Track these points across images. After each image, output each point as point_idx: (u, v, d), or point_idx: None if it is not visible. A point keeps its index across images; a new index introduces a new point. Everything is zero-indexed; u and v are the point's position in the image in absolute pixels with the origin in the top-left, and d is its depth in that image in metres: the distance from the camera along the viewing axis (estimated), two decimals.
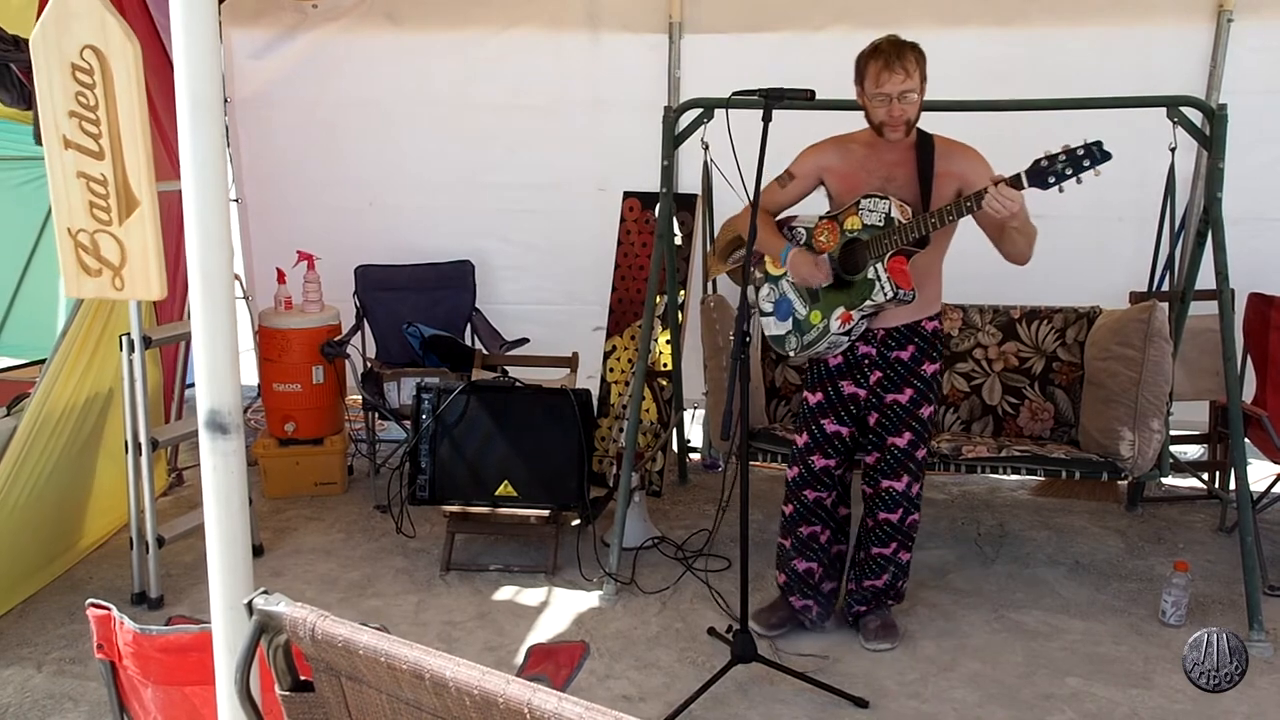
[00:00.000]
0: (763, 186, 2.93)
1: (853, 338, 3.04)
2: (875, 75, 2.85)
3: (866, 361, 3.09)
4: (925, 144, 2.97)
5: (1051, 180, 2.66)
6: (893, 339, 3.06)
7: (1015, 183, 2.70)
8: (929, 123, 3.02)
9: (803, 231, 3.13)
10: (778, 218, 3.24)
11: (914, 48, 2.85)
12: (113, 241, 1.24)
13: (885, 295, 2.89)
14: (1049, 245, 4.22)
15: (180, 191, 1.27)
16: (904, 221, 2.85)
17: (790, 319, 3.14)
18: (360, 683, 1.02)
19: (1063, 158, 2.64)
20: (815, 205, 3.17)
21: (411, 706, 0.97)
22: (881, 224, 2.90)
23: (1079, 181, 2.64)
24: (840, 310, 3.00)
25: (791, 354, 3.17)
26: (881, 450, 3.12)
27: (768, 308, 3.21)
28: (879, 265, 2.90)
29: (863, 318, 2.99)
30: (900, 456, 3.11)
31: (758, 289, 3.26)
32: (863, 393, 3.11)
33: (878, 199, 2.91)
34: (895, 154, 2.98)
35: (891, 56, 2.82)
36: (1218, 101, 3.89)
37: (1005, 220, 2.76)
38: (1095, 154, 2.63)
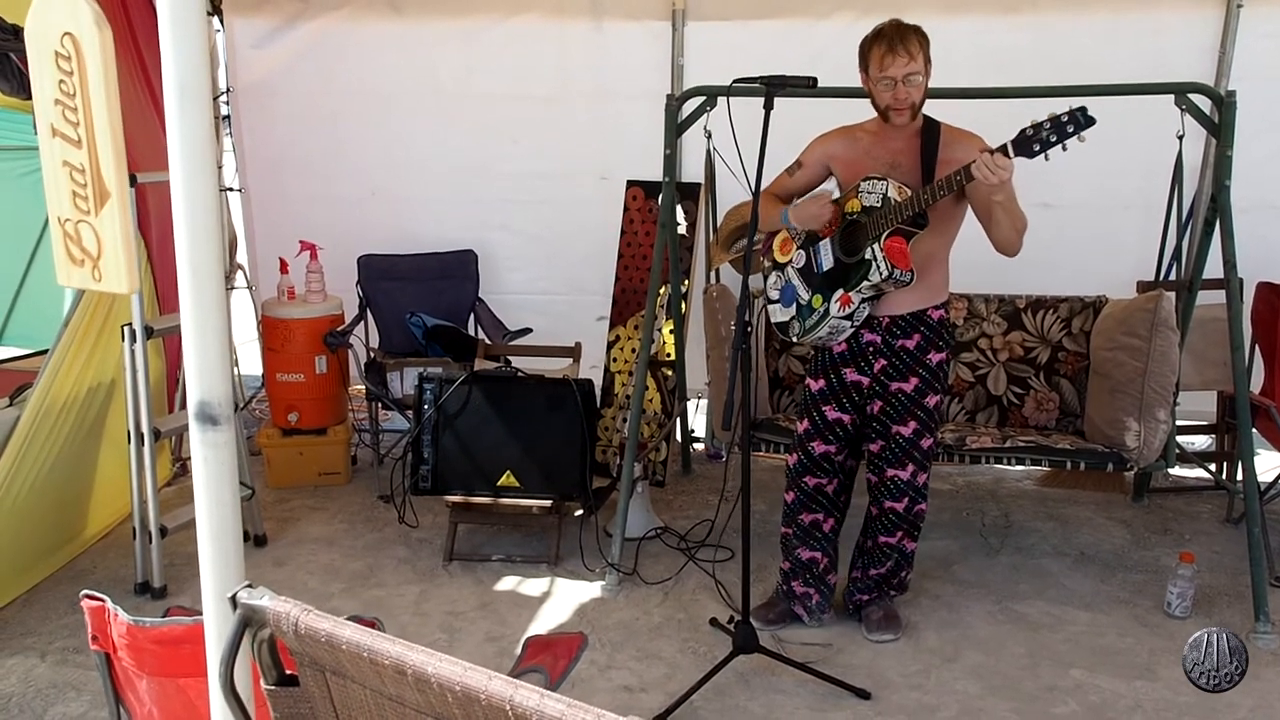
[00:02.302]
0: (769, 175, 2.91)
1: (855, 322, 3.02)
2: (879, 60, 2.83)
3: (871, 349, 3.07)
4: (931, 131, 2.95)
5: (1037, 148, 2.62)
6: (898, 327, 3.04)
7: (1001, 153, 2.67)
8: (933, 111, 3.00)
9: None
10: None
11: (917, 30, 2.83)
12: (91, 232, 1.23)
13: (881, 275, 2.87)
14: (1055, 234, 4.21)
15: None
16: (899, 201, 2.84)
17: (794, 304, 3.13)
18: (344, 678, 1.01)
19: (1048, 125, 2.61)
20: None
21: (395, 702, 0.96)
22: (879, 205, 2.88)
23: (1065, 149, 2.61)
24: (839, 293, 2.99)
25: (795, 339, 3.16)
26: (886, 439, 3.11)
27: (774, 295, 3.20)
28: (875, 245, 2.89)
29: (863, 300, 2.97)
30: (905, 445, 3.09)
31: (765, 276, 3.25)
32: (865, 380, 3.10)
33: (876, 180, 2.90)
34: (900, 140, 2.96)
35: (895, 40, 2.80)
36: (1226, 88, 3.85)
37: (991, 191, 2.72)
38: (1080, 119, 2.59)
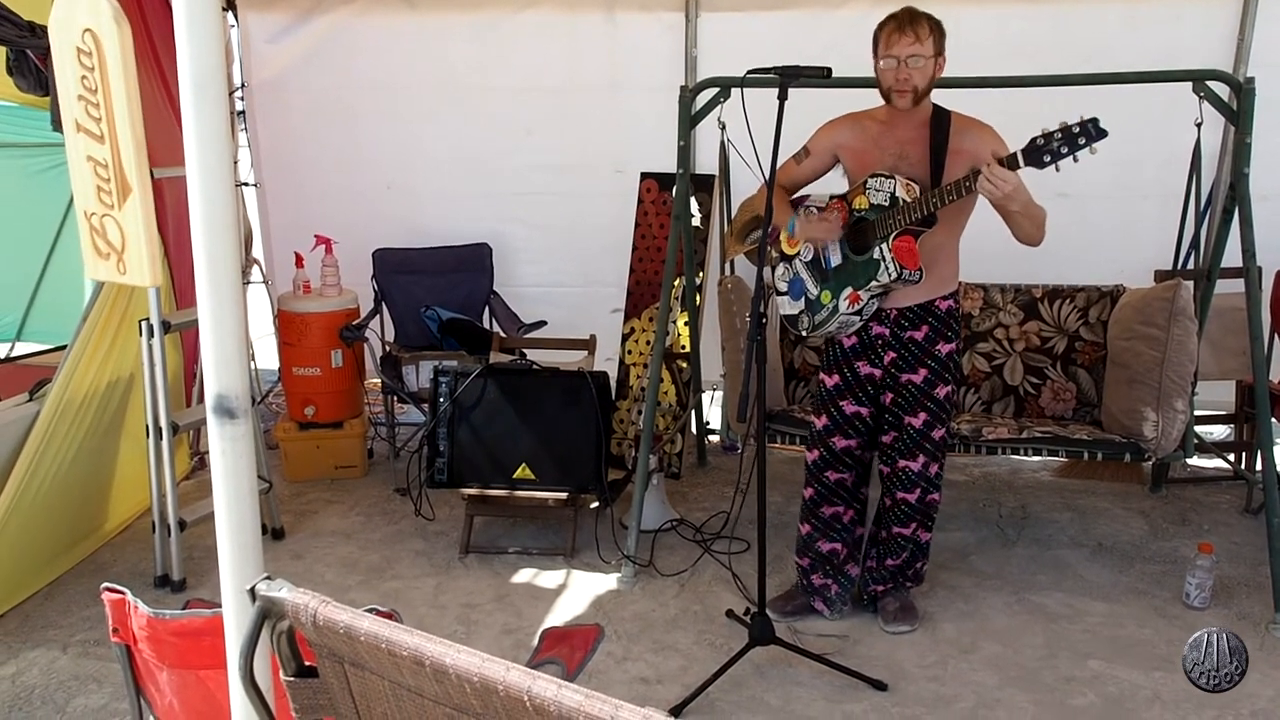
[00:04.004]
0: (779, 165, 2.90)
1: (864, 317, 3.01)
2: (886, 39, 2.83)
3: (880, 342, 3.06)
4: (940, 121, 2.93)
5: (1047, 159, 2.61)
6: (906, 319, 3.03)
7: (1011, 163, 2.65)
8: (951, 100, 2.98)
9: (814, 211, 3.11)
10: (794, 196, 3.21)
11: (929, 17, 2.83)
12: (115, 225, 1.24)
13: (890, 275, 2.87)
14: (1073, 223, 4.17)
15: None
16: (908, 201, 2.82)
17: (803, 299, 3.13)
18: (363, 669, 1.01)
19: (1059, 136, 2.59)
20: (836, 184, 3.14)
21: (413, 693, 0.97)
22: (887, 203, 2.87)
23: (1075, 160, 2.59)
24: (848, 290, 2.98)
25: (804, 333, 3.16)
26: (898, 430, 3.10)
27: (782, 287, 3.20)
28: (884, 245, 2.88)
29: (871, 298, 2.97)
30: (916, 436, 3.08)
31: (774, 269, 3.24)
32: (878, 373, 3.09)
33: (884, 178, 2.89)
34: (909, 131, 2.94)
35: (904, 21, 2.80)
36: (1245, 75, 3.81)
37: (1002, 201, 2.72)
38: (1091, 131, 2.58)
